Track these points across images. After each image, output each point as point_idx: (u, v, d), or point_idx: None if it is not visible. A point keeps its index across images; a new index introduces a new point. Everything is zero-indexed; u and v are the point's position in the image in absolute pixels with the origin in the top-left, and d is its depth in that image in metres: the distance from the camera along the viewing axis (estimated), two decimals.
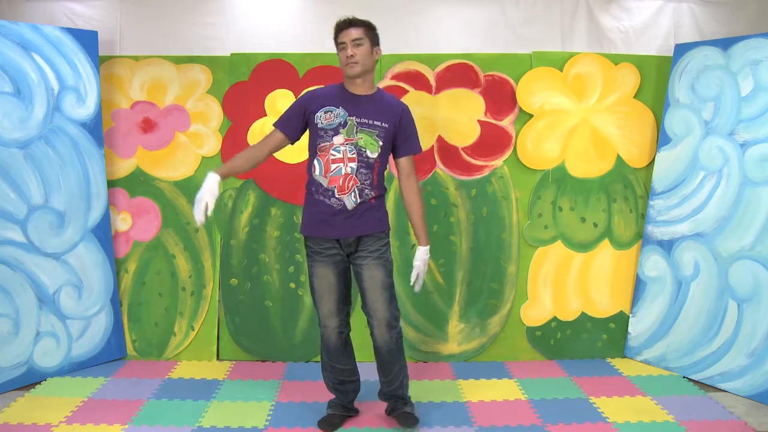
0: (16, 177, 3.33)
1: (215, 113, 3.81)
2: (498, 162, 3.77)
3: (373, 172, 2.75)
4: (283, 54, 3.81)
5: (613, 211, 3.79)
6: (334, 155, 2.72)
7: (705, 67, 3.58)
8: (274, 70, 3.79)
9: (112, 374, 3.49)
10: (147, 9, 3.94)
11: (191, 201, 3.72)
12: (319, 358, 3.67)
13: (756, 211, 3.31)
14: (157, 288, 3.78)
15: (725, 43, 3.52)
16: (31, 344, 3.36)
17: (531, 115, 3.76)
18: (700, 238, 3.51)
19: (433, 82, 3.78)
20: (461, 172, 3.77)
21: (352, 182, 2.71)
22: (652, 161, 3.77)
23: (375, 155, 2.73)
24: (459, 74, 3.77)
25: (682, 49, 3.70)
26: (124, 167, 3.79)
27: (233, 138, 3.78)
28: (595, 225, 3.79)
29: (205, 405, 3.12)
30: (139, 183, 3.79)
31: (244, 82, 3.80)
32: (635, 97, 3.80)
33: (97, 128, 3.64)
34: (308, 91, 2.86)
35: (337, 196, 2.72)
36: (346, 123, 2.72)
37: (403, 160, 2.85)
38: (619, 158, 3.79)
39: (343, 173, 2.71)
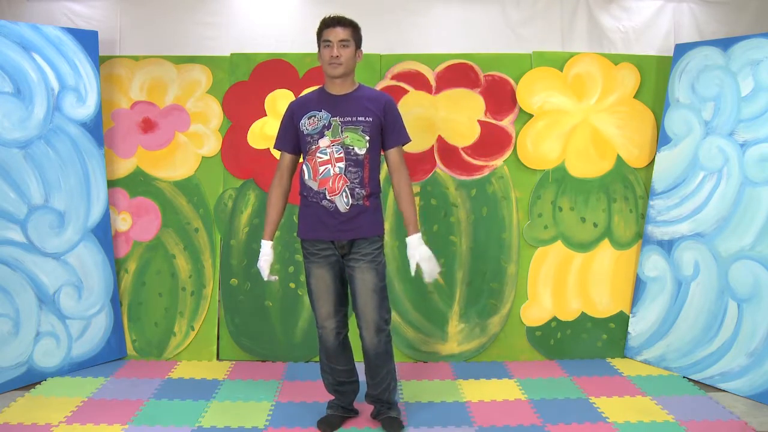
0: (16, 177, 3.33)
1: (215, 113, 3.81)
2: (498, 162, 3.77)
3: (363, 170, 2.72)
4: (283, 54, 3.81)
5: (613, 211, 3.79)
6: (321, 157, 2.71)
7: (705, 67, 3.57)
8: (274, 70, 3.79)
9: (112, 374, 3.49)
10: (147, 9, 3.94)
11: (191, 201, 3.80)
12: (319, 359, 3.70)
13: (756, 211, 3.31)
14: (157, 288, 3.77)
15: (725, 43, 3.51)
16: (31, 344, 3.36)
17: (531, 115, 3.76)
18: (700, 238, 3.50)
19: (433, 82, 3.78)
20: (461, 172, 3.77)
21: (341, 182, 2.70)
22: (652, 161, 3.76)
23: (363, 151, 2.71)
24: (459, 74, 3.77)
25: (682, 49, 3.70)
26: (124, 167, 3.79)
27: (233, 138, 3.78)
28: (595, 225, 3.79)
29: (205, 405, 3.12)
30: (139, 183, 3.79)
31: (244, 82, 3.80)
32: (635, 97, 3.80)
33: (97, 128, 3.64)
34: (290, 103, 2.86)
35: (328, 197, 2.71)
36: (330, 125, 2.71)
37: (392, 152, 2.82)
38: (619, 158, 3.79)
39: (331, 174, 2.71)
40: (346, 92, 2.77)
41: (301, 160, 2.84)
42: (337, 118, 2.71)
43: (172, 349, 3.75)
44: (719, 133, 3.48)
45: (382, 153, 2.84)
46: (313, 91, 2.85)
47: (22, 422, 2.91)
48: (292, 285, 3.76)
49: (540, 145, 3.76)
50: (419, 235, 2.80)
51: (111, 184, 3.74)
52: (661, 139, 3.73)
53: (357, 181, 2.72)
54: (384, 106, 2.77)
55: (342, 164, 2.70)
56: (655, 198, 3.72)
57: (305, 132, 2.74)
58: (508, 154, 3.77)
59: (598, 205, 3.78)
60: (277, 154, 3.67)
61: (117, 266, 3.74)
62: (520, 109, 3.77)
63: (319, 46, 2.76)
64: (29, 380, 3.35)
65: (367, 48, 3.80)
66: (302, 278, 3.73)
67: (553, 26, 3.96)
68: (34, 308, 3.38)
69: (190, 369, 3.59)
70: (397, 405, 2.96)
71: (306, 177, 2.75)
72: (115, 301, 3.70)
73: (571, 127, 3.77)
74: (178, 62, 3.81)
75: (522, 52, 3.83)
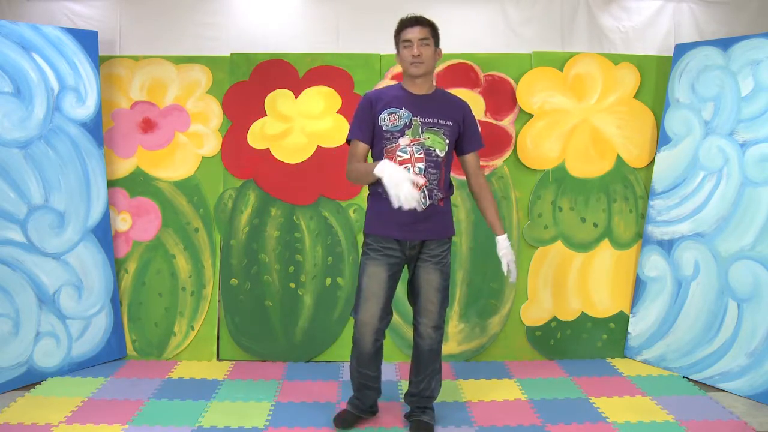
0: (16, 177, 3.32)
1: (215, 113, 3.80)
2: (498, 162, 3.77)
3: (440, 171, 2.72)
4: (284, 54, 3.81)
5: (613, 211, 3.79)
6: (401, 156, 2.68)
7: (705, 67, 3.57)
8: (274, 70, 3.78)
9: (112, 374, 3.48)
10: (147, 9, 3.93)
11: (191, 201, 3.79)
12: (319, 358, 3.72)
13: (756, 211, 3.31)
14: (157, 288, 3.77)
15: (725, 43, 3.51)
16: (31, 344, 3.35)
17: (531, 115, 3.76)
18: (700, 238, 3.50)
19: (433, 82, 3.75)
20: (461, 172, 3.72)
21: (421, 182, 2.67)
22: (652, 161, 3.76)
23: (443, 154, 2.71)
24: (459, 74, 3.76)
25: (682, 49, 3.70)
26: (124, 167, 3.79)
27: (233, 138, 3.78)
28: (595, 225, 3.79)
29: (205, 405, 3.11)
30: (139, 183, 3.78)
31: (244, 82, 3.79)
32: (635, 97, 3.80)
33: (97, 128, 3.63)
34: (367, 94, 2.80)
35: None
36: (410, 124, 2.70)
37: (470, 156, 2.84)
38: (619, 158, 3.79)
39: (411, 173, 2.65)
40: (427, 93, 2.76)
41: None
42: (418, 118, 2.70)
43: (172, 349, 3.74)
44: (719, 133, 3.48)
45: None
46: (392, 86, 2.82)
47: (22, 422, 2.90)
48: (292, 285, 3.75)
49: (540, 145, 3.76)
50: (506, 236, 2.83)
51: (111, 184, 3.73)
52: (661, 139, 3.72)
53: (435, 182, 2.71)
54: (464, 112, 2.79)
55: (422, 164, 2.68)
56: (655, 198, 3.72)
57: (384, 127, 2.70)
58: (508, 154, 3.77)
59: (598, 205, 3.78)
60: (277, 153, 3.74)
61: (117, 266, 3.74)
62: (520, 109, 3.77)
63: (398, 47, 2.75)
64: (29, 380, 3.33)
65: (367, 48, 3.83)
66: (303, 278, 3.75)
67: (553, 26, 3.96)
68: (34, 308, 3.37)
69: (190, 369, 3.58)
70: (433, 411, 2.94)
71: None
72: (115, 301, 3.69)
73: (571, 127, 3.77)
74: (178, 62, 3.80)
75: (522, 52, 3.83)
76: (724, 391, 3.29)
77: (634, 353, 3.73)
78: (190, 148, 3.80)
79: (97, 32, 3.68)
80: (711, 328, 3.43)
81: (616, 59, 3.80)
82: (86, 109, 3.60)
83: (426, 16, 2.74)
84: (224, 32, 3.93)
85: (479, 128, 2.88)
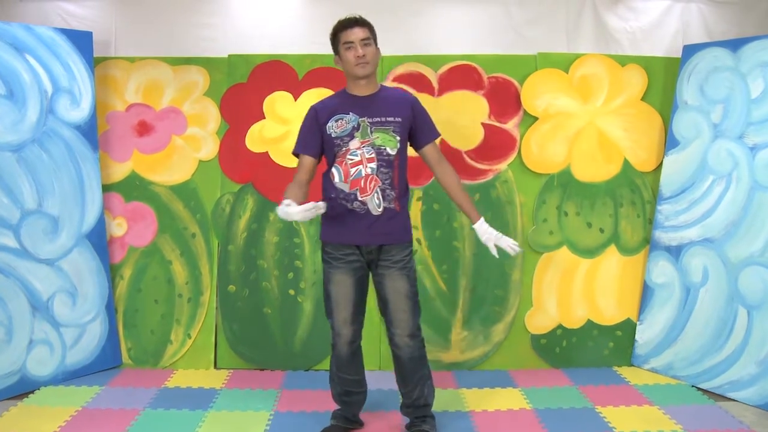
0: (8, 181, 3.31)
1: (213, 116, 3.78)
2: (502, 166, 3.75)
3: (393, 170, 2.72)
4: (283, 55, 3.78)
5: (619, 216, 3.76)
6: (352, 159, 2.70)
7: (714, 68, 3.55)
8: (273, 71, 3.76)
9: (106, 383, 3.47)
10: (143, 9, 3.91)
11: (188, 206, 3.78)
12: (319, 367, 3.71)
13: (766, 216, 3.28)
14: (153, 295, 3.75)
15: (735, 44, 3.49)
16: (24, 352, 3.34)
17: (536, 118, 3.74)
18: (709, 244, 3.48)
19: (435, 84, 3.75)
20: (464, 177, 3.70)
21: (373, 183, 2.69)
22: (660, 165, 3.74)
23: (394, 152, 2.71)
24: (462, 76, 3.74)
25: (690, 50, 3.68)
26: (119, 171, 3.77)
27: (231, 141, 3.76)
28: (602, 230, 3.76)
29: (202, 415, 3.09)
30: (134, 187, 3.77)
31: (242, 84, 3.77)
32: (642, 99, 3.78)
33: (91, 131, 3.62)
34: (313, 106, 2.84)
35: (360, 199, 2.69)
36: (359, 126, 2.71)
37: (428, 149, 2.83)
38: (626, 162, 3.77)
39: (363, 174, 2.69)
40: (371, 93, 2.77)
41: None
42: (366, 119, 2.71)
43: (168, 357, 3.73)
44: (728, 136, 3.46)
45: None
46: (334, 95, 2.86)
47: None
48: (291, 292, 3.73)
49: (545, 149, 3.74)
50: (483, 219, 2.79)
51: (106, 188, 3.71)
52: (669, 142, 3.71)
53: (388, 182, 2.71)
54: (412, 106, 2.79)
55: (374, 164, 2.69)
56: (662, 203, 3.69)
57: (333, 135, 2.72)
58: (512, 157, 3.75)
59: (605, 210, 3.76)
60: (276, 157, 3.73)
61: (112, 272, 3.72)
62: (525, 112, 3.75)
63: (337, 50, 2.74)
64: (22, 389, 3.31)
65: None
66: (302, 285, 3.73)
67: (559, 27, 3.94)
68: (27, 315, 3.35)
69: (186, 378, 3.56)
70: (434, 418, 2.92)
71: (336, 180, 2.73)
72: (110, 308, 3.67)
73: (577, 130, 3.75)
74: (175, 64, 3.79)
75: (526, 54, 3.81)
76: (733, 400, 3.27)
77: (642, 362, 3.71)
78: (186, 152, 3.79)
79: (91, 33, 3.68)
80: (720, 335, 3.40)
81: (622, 60, 3.78)
82: (80, 112, 3.59)
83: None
84: (222, 33, 3.90)
85: (430, 118, 2.85)
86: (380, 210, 2.69)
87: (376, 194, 2.69)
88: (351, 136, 2.70)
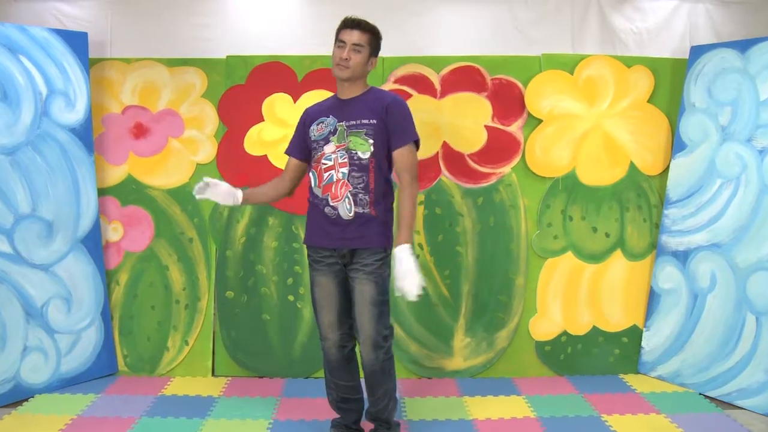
0: (2, 185, 3.31)
1: (210, 118, 3.77)
2: (506, 169, 3.73)
3: (367, 174, 2.66)
4: (281, 56, 3.76)
5: (625, 221, 3.74)
6: (326, 163, 2.70)
7: (722, 69, 3.54)
8: (271, 72, 3.74)
9: (102, 391, 3.45)
10: (139, 9, 3.90)
11: (185, 210, 3.75)
12: (319, 375, 3.67)
13: None
14: (149, 301, 3.73)
15: (743, 45, 3.48)
16: (18, 359, 3.32)
17: (540, 120, 3.72)
18: (717, 249, 3.46)
19: (438, 86, 3.72)
20: (467, 180, 3.72)
21: (344, 188, 2.66)
22: (667, 168, 3.73)
23: (367, 155, 2.66)
24: (465, 77, 3.72)
25: (698, 51, 3.66)
26: (115, 175, 3.76)
27: (229, 144, 3.74)
28: (607, 235, 3.74)
29: (199, 423, 3.07)
30: (130, 191, 3.76)
31: (240, 86, 3.75)
32: (649, 101, 3.76)
33: (86, 134, 3.61)
34: (306, 108, 2.87)
35: (331, 204, 2.68)
36: (336, 130, 2.70)
37: (396, 153, 2.71)
38: (632, 165, 3.75)
39: (334, 180, 2.67)
40: (354, 96, 2.74)
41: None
42: (343, 122, 2.70)
43: (165, 364, 3.71)
44: (737, 139, 3.44)
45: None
46: (328, 98, 2.86)
47: None
48: (291, 298, 3.71)
49: (549, 152, 3.72)
50: (407, 246, 2.56)
51: (101, 192, 3.71)
52: (676, 145, 3.69)
53: (361, 186, 2.66)
54: (387, 106, 2.69)
55: (345, 169, 2.66)
56: (669, 207, 3.67)
57: (313, 138, 2.74)
58: (516, 160, 3.73)
59: (611, 214, 3.74)
60: (275, 160, 3.71)
61: (108, 278, 3.71)
62: (529, 114, 3.73)
63: (334, 46, 2.73)
64: (16, 397, 3.29)
65: None
66: (302, 290, 3.71)
67: (564, 27, 3.92)
68: (21, 322, 3.34)
69: (184, 385, 3.55)
70: (398, 426, 2.90)
71: (312, 184, 2.75)
72: (106, 315, 3.66)
73: (582, 132, 3.73)
74: (172, 65, 3.77)
75: (531, 55, 3.79)
76: (741, 408, 3.26)
77: (648, 369, 3.69)
78: (184, 155, 3.77)
79: (86, 33, 3.66)
80: (728, 342, 3.38)
81: (629, 62, 3.76)
82: (75, 114, 3.58)
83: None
84: (220, 33, 3.88)
85: (408, 122, 2.73)
86: (351, 215, 2.66)
87: (347, 199, 2.66)
88: (327, 140, 2.70)
